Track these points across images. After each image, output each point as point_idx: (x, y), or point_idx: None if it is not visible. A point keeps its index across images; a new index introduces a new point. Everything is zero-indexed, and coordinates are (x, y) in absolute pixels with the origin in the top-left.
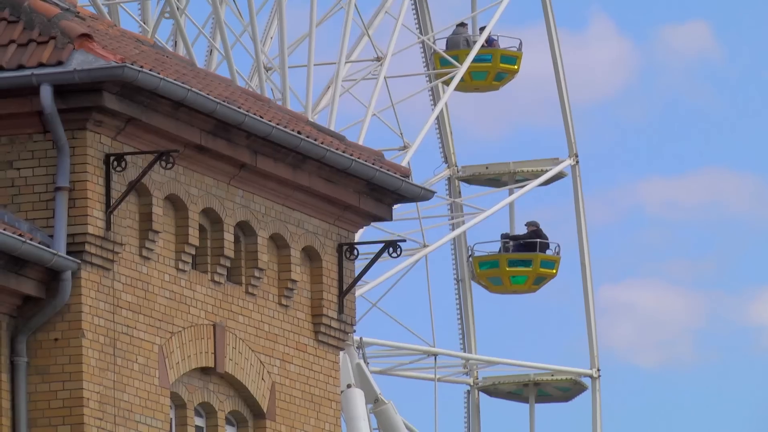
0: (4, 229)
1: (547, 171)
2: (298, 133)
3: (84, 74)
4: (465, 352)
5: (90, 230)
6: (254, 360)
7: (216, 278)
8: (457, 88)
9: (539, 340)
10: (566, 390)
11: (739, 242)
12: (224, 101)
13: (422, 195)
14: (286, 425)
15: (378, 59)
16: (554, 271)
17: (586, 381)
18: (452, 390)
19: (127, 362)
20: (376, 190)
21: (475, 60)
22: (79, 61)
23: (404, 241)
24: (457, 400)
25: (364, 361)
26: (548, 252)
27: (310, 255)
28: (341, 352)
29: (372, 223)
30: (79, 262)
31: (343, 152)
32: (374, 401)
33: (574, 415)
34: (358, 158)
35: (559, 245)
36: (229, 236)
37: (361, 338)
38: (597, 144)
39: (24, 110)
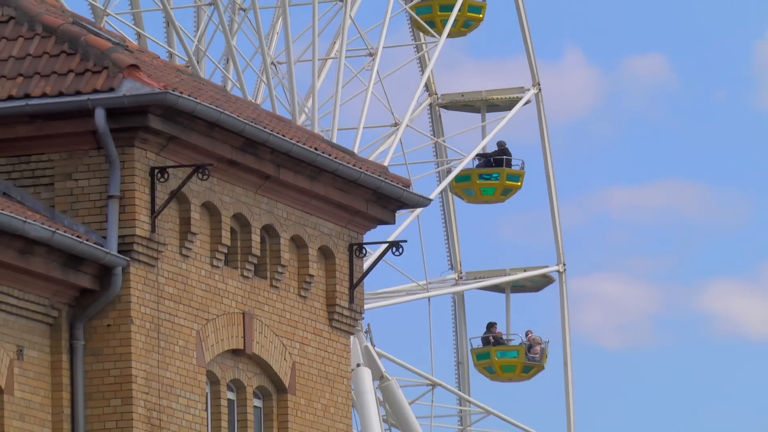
0: (64, 232)
1: (513, 97)
2: (315, 149)
3: (132, 99)
4: (449, 253)
5: (137, 232)
6: (277, 343)
7: (245, 273)
8: (429, 36)
9: (514, 242)
10: (537, 282)
11: (692, 241)
12: (252, 122)
13: (421, 202)
14: (305, 398)
15: (370, 54)
16: (519, 183)
17: (554, 275)
18: (441, 301)
19: (170, 345)
20: (381, 198)
21: (444, 9)
22: (128, 87)
23: (405, 241)
24: (445, 314)
25: (371, 344)
26: (513, 167)
27: (325, 253)
28: (351, 337)
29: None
30: (128, 259)
31: (354, 166)
32: (380, 378)
33: (544, 305)
34: (366, 171)
35: (523, 161)
36: (256, 237)
37: (368, 324)
38: (570, 157)
39: (81, 130)
